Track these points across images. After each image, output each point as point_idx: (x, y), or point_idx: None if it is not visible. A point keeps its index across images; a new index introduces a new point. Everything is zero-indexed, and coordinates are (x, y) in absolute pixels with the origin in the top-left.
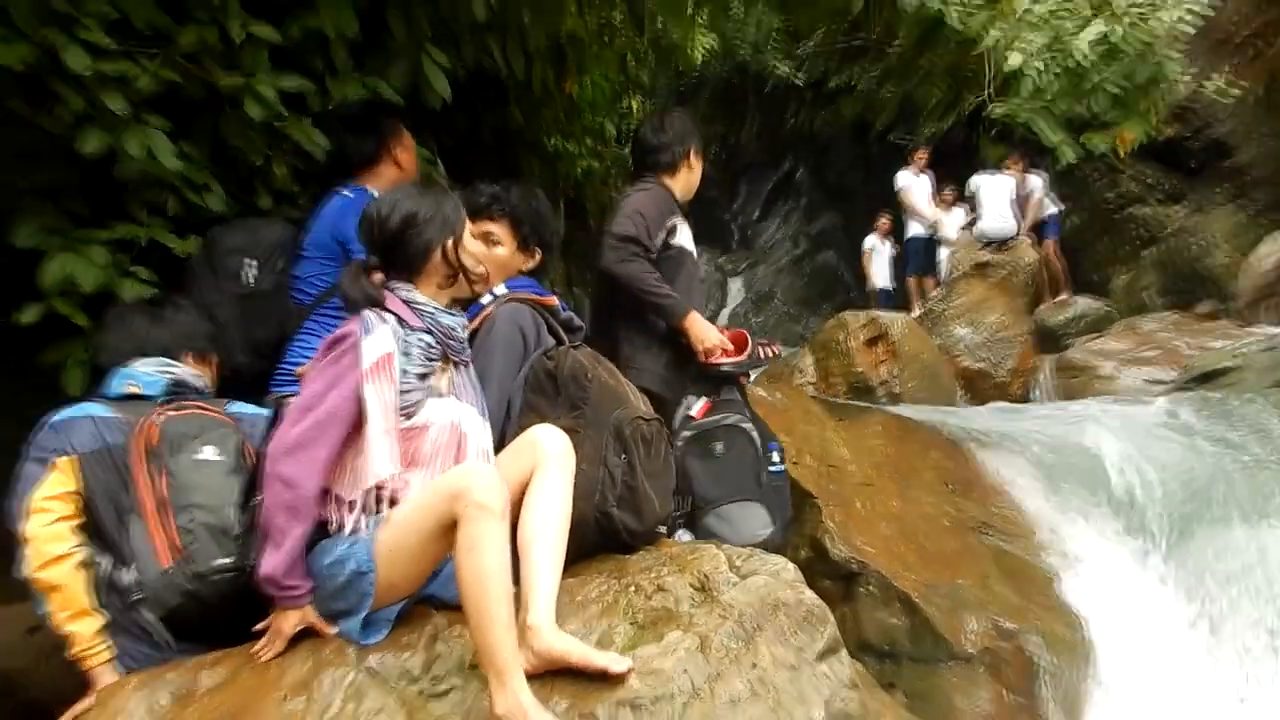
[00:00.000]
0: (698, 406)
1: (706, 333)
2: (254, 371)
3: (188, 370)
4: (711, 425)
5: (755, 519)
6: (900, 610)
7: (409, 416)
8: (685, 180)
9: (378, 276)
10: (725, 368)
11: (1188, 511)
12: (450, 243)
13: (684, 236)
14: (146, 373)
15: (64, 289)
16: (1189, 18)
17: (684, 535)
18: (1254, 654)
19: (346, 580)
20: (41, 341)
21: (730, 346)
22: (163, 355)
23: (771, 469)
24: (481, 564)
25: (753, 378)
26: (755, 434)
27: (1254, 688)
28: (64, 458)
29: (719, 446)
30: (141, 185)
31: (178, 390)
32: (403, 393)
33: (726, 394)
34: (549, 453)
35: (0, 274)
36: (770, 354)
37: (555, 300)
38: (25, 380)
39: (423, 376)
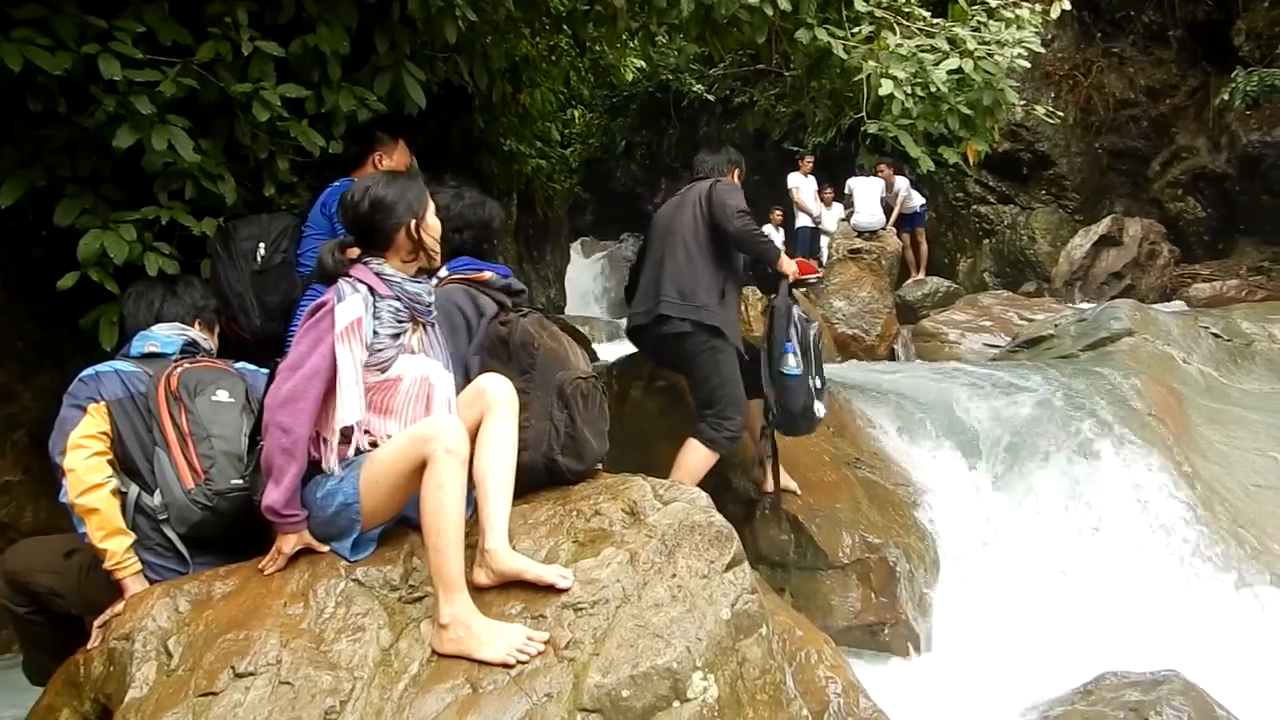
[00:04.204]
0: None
1: (792, 266)
2: (268, 333)
3: (198, 334)
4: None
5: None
6: (789, 529)
7: (384, 370)
8: None
9: (353, 251)
10: (811, 280)
11: (1015, 448)
12: (413, 223)
13: None
14: (164, 335)
15: (98, 260)
16: (1023, 56)
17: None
18: (1070, 557)
19: (336, 510)
20: (80, 305)
21: (803, 274)
22: (177, 322)
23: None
24: (445, 499)
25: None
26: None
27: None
28: (95, 404)
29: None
30: (165, 175)
31: (190, 349)
32: (377, 350)
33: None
34: (496, 399)
35: (46, 248)
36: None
37: (489, 275)
38: (65, 336)
39: (395, 336)
